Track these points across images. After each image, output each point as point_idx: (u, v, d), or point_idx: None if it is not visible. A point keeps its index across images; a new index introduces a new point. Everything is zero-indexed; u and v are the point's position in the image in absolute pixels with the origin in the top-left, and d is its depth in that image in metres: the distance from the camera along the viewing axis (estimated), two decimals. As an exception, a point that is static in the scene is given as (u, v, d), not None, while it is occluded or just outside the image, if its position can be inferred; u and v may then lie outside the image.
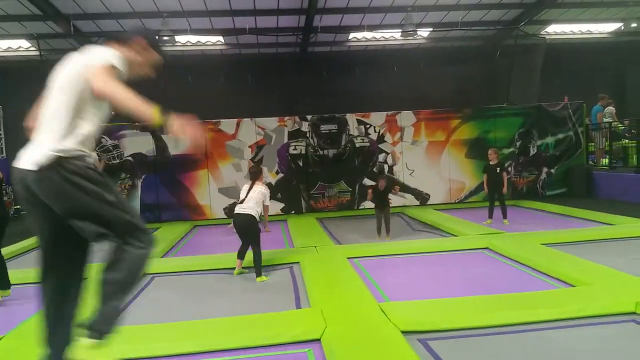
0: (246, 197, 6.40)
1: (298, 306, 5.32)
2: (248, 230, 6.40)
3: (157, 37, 2.87)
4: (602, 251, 6.88)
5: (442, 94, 16.36)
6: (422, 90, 16.25)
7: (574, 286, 5.35)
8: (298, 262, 6.98)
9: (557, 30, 16.32)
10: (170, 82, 16.72)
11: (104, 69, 2.47)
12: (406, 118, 12.63)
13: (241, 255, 6.56)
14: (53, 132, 2.52)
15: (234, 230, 6.85)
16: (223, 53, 17.05)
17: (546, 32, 16.28)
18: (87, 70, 2.50)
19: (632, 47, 17.21)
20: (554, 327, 4.24)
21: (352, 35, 16.67)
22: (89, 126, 2.59)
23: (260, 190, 6.48)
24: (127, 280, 2.61)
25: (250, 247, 6.47)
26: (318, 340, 4.12)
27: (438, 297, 5.13)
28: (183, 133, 2.46)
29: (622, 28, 16.07)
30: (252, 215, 6.34)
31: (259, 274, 6.30)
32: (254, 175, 6.72)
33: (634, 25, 15.54)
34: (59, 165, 2.46)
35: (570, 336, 4.09)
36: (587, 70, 16.88)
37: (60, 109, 2.54)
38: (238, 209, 6.44)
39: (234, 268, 6.75)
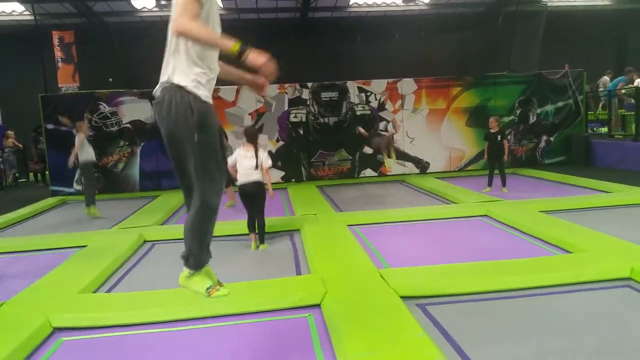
0: (256, 163, 6.02)
1: (298, 273, 5.39)
2: (258, 197, 6.15)
3: None
4: (599, 218, 6.92)
5: (444, 61, 16.21)
6: (424, 57, 16.09)
7: (570, 252, 5.41)
8: (299, 230, 7.03)
9: (559, -4, 16.06)
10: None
11: (182, 6, 2.42)
12: (407, 86, 12.51)
13: (252, 227, 6.27)
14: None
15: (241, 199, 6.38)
16: (222, 18, 16.78)
17: (548, -2, 16.03)
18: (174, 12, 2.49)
19: (634, 14, 16.95)
20: (551, 293, 4.31)
21: (353, 1, 16.41)
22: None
23: (266, 156, 6.15)
24: (199, 223, 2.72)
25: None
26: (318, 305, 4.19)
27: (437, 264, 5.18)
28: (259, 62, 2.45)
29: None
30: (261, 182, 6.11)
31: (262, 241, 6.30)
32: (253, 136, 6.25)
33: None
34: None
35: (567, 301, 4.16)
36: (588, 38, 16.69)
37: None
38: (247, 177, 6.04)
39: (234, 235, 6.78)
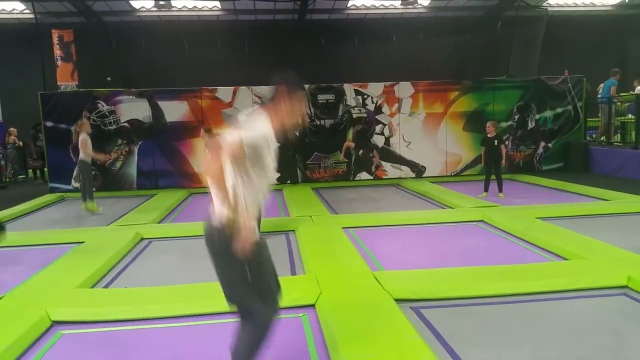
0: None
1: (293, 273, 5.37)
2: None
3: (293, 75, 2.88)
4: (597, 226, 6.91)
5: (441, 65, 16.21)
6: (421, 61, 16.08)
7: (567, 260, 5.39)
8: (294, 231, 7.02)
9: (559, 2, 16.08)
10: (166, 48, 16.52)
11: (219, 150, 2.49)
12: (404, 89, 12.51)
13: None
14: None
15: None
16: (220, 19, 16.79)
17: (548, 3, 16.05)
18: None
19: (634, 20, 16.99)
20: (546, 299, 4.29)
21: (351, 3, 16.41)
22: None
23: None
24: (251, 343, 2.72)
25: None
26: (312, 305, 4.18)
27: (432, 268, 5.18)
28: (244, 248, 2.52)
29: (626, 0, 15.80)
30: None
31: None
32: None
33: (637, -2, 15.30)
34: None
35: (563, 308, 4.14)
36: (589, 44, 16.72)
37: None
38: None
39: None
